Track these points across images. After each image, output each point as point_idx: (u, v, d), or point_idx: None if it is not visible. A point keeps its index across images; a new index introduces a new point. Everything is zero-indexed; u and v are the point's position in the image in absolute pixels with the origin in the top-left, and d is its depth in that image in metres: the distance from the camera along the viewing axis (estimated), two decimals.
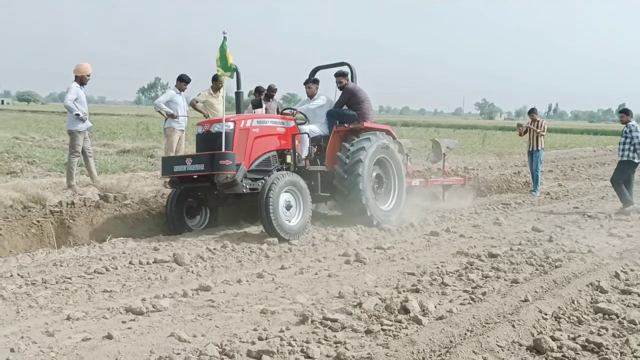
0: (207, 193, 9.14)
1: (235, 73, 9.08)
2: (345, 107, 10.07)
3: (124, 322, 4.89)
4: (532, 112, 14.98)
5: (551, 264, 7.19)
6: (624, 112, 12.42)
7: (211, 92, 11.57)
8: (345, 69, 10.38)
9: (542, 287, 6.08)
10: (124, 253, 7.31)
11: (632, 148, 11.86)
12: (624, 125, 12.17)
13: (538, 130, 14.42)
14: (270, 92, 13.02)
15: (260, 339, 4.52)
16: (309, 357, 4.19)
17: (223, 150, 8.33)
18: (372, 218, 9.42)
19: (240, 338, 4.54)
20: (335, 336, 4.63)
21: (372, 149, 9.56)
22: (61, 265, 6.69)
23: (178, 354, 4.16)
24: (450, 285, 6.17)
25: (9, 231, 8.03)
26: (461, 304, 5.59)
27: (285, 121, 9.54)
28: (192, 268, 6.71)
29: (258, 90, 13.06)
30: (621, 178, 12.09)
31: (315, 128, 9.95)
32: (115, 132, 25.80)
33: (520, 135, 15.41)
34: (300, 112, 9.93)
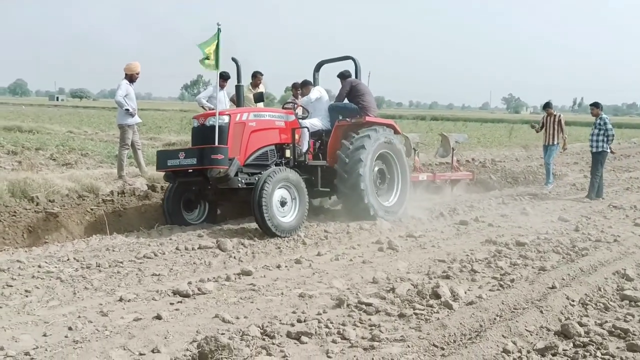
0: (203, 187, 8.59)
1: (236, 65, 8.78)
2: (346, 100, 9.56)
3: (171, 303, 4.96)
4: (547, 106, 13.91)
5: (578, 252, 7.07)
6: (595, 106, 12.71)
7: (250, 87, 11.60)
8: (348, 64, 9.94)
9: (569, 274, 5.98)
10: (170, 239, 7.40)
11: (605, 139, 12.23)
12: (596, 117, 12.51)
13: (559, 122, 13.39)
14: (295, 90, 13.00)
15: (299, 321, 4.54)
16: (345, 339, 4.19)
17: (216, 144, 7.87)
18: (376, 216, 8.87)
19: (280, 320, 4.56)
20: (369, 319, 4.62)
21: (373, 146, 8.98)
22: (113, 250, 6.81)
23: (222, 334, 4.20)
24: (479, 272, 6.11)
25: (66, 218, 8.20)
26: (490, 290, 5.53)
27: (285, 115, 9.03)
28: (234, 254, 6.77)
29: (294, 86, 13.04)
30: (601, 170, 12.35)
31: (317, 122, 9.41)
32: (161, 127, 26.08)
33: (538, 132, 14.32)
34: (300, 105, 9.42)
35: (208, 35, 8.07)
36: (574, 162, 19.82)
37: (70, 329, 4.29)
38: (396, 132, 9.87)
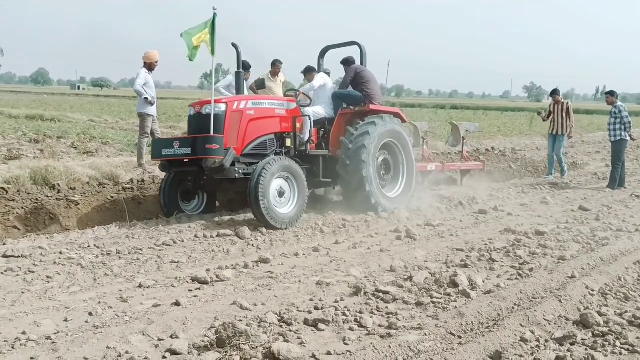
0: (199, 178, 8.27)
1: (236, 51, 8.51)
2: (350, 88, 9.22)
3: (190, 290, 5.00)
4: (554, 93, 13.40)
5: (598, 242, 6.99)
6: (610, 94, 12.43)
7: (269, 76, 11.58)
8: (354, 50, 9.63)
9: (588, 264, 5.92)
10: (189, 227, 7.45)
11: (622, 127, 12.01)
12: (612, 106, 12.26)
13: (567, 110, 13.02)
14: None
15: (316, 308, 4.55)
16: (362, 327, 4.19)
17: (211, 133, 7.60)
18: (377, 205, 8.57)
19: (297, 307, 4.58)
20: (387, 307, 4.62)
21: (378, 133, 8.67)
22: (133, 238, 6.88)
23: (240, 320, 4.22)
24: (498, 261, 6.07)
25: (86, 206, 8.30)
26: (509, 279, 5.49)
27: (285, 103, 8.74)
28: (252, 242, 6.80)
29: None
30: (621, 158, 12.14)
31: (320, 110, 9.09)
32: (180, 115, 26.15)
33: (544, 120, 13.83)
34: (303, 93, 9.04)
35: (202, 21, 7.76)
36: (595, 152, 19.58)
37: (90, 314, 4.35)
38: (402, 120, 9.61)
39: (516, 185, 12.03)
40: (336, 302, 4.72)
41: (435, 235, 7.47)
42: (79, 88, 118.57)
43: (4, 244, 6.51)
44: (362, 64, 9.46)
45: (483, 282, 5.32)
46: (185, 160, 7.74)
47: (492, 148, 17.23)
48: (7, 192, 7.92)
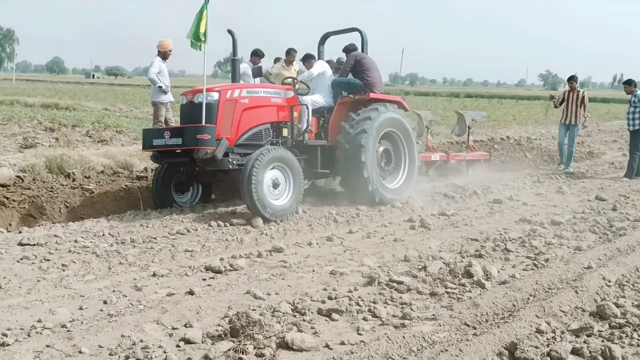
0: (191, 169, 7.99)
1: (232, 37, 8.22)
2: (351, 75, 8.95)
3: (204, 279, 5.01)
4: (571, 79, 12.84)
5: (615, 232, 6.92)
6: (627, 83, 12.20)
7: (284, 64, 11.51)
8: (355, 37, 9.33)
9: (605, 254, 5.86)
10: (203, 216, 7.46)
11: None
12: (630, 95, 12.00)
13: (582, 99, 12.59)
14: (338, 64, 12.85)
15: (329, 298, 4.54)
16: (376, 317, 4.17)
17: (203, 123, 7.33)
18: (375, 194, 8.27)
19: (311, 297, 4.57)
20: (401, 297, 4.60)
21: (379, 120, 8.41)
22: (147, 226, 6.89)
23: (254, 309, 4.23)
24: (513, 252, 6.02)
25: (101, 194, 8.34)
26: (524, 269, 5.45)
27: (282, 91, 8.42)
28: (266, 231, 6.79)
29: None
30: (639, 147, 11.92)
31: (319, 98, 8.81)
32: None
33: (556, 106, 13.37)
34: (301, 81, 8.79)
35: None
36: (612, 140, 19.38)
37: (105, 302, 4.37)
38: (403, 109, 9.32)
39: (531, 175, 11.92)
40: (350, 291, 4.71)
41: (450, 224, 7.42)
42: (93, 77, 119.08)
43: (20, 232, 6.55)
44: (363, 51, 9.19)
45: (498, 272, 5.28)
46: (177, 151, 7.52)
47: (507, 137, 17.12)
48: (22, 180, 7.99)
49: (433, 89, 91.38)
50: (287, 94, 8.43)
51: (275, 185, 7.45)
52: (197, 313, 4.20)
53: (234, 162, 7.55)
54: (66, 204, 7.88)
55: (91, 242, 6.08)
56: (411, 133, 9.16)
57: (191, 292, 4.60)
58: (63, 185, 8.18)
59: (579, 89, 12.77)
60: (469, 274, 5.10)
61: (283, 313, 4.18)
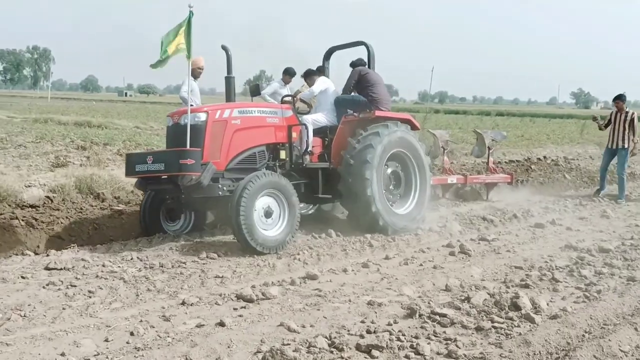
0: (177, 196, 7.32)
1: (226, 54, 7.77)
2: (354, 92, 8.40)
3: (235, 309, 4.76)
4: (618, 99, 11.56)
5: None
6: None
7: (306, 85, 11.26)
8: (361, 51, 8.77)
9: None
10: (234, 239, 7.22)
11: None
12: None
13: (632, 120, 11.36)
14: None
15: (368, 331, 4.25)
16: (419, 354, 3.88)
17: (187, 146, 6.73)
18: (387, 227, 7.69)
19: (348, 330, 4.29)
20: (444, 332, 4.29)
21: (383, 144, 7.76)
22: (176, 250, 6.69)
23: (288, 344, 3.96)
24: (561, 282, 5.65)
25: (130, 215, 8.16)
26: (575, 302, 5.09)
27: (279, 110, 7.80)
28: (298, 256, 6.53)
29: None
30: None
31: (321, 117, 8.22)
32: None
33: (601, 129, 12.19)
34: (300, 99, 8.27)
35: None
36: None
37: (132, 334, 4.14)
38: (413, 127, 8.63)
39: (572, 197, 11.47)
40: (389, 324, 4.41)
41: (491, 250, 7.08)
42: (126, 95, 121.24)
43: (47, 255, 6.41)
44: (369, 66, 8.64)
45: (547, 304, 4.93)
46: (162, 177, 6.90)
47: (544, 157, 16.65)
48: (52, 201, 7.89)
49: (463, 107, 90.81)
50: (285, 113, 7.83)
51: (268, 214, 6.83)
52: (228, 347, 3.96)
53: (225, 188, 6.94)
54: (95, 225, 7.72)
55: (119, 266, 5.90)
56: (422, 153, 8.50)
57: (222, 324, 4.35)
58: (92, 206, 8.06)
59: (627, 109, 11.64)
60: (516, 307, 4.77)
61: (319, 349, 3.90)
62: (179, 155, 6.64)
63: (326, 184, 7.87)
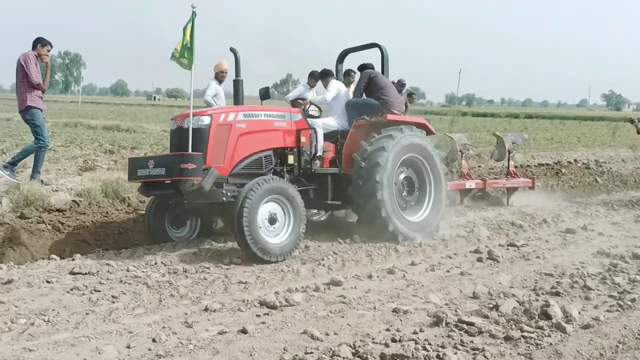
0: (180, 202, 7.15)
1: (234, 56, 7.65)
2: (365, 96, 8.21)
3: (258, 315, 4.70)
4: None
5: None
6: None
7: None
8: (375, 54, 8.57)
9: None
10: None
11: None
12: None
13: None
14: (399, 86, 12.53)
15: (393, 340, 4.14)
16: None
17: (189, 151, 6.56)
18: (397, 233, 7.44)
19: (373, 339, 4.19)
20: (472, 341, 4.17)
21: (396, 148, 7.57)
22: (200, 254, 6.68)
23: (311, 353, 3.89)
24: (593, 289, 5.48)
25: None
26: (608, 310, 4.92)
27: (287, 114, 7.58)
28: (323, 261, 6.45)
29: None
30: None
31: (332, 122, 8.01)
32: None
33: (639, 132, 11.74)
34: (310, 102, 8.06)
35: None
36: None
37: (154, 340, 4.10)
38: (429, 132, 8.44)
39: (605, 202, 11.20)
40: (415, 333, 4.31)
41: (520, 257, 6.91)
42: (154, 99, 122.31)
43: (73, 259, 6.44)
44: (382, 68, 8.49)
45: (579, 313, 4.77)
46: (166, 182, 6.74)
47: (575, 160, 16.32)
48: (78, 205, 7.93)
49: (491, 110, 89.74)
50: (293, 117, 7.61)
51: (272, 220, 6.61)
52: (250, 355, 3.90)
53: (229, 193, 6.73)
54: (120, 229, 7.77)
55: (143, 271, 5.88)
56: (437, 158, 8.24)
57: (244, 331, 4.29)
58: (118, 210, 8.10)
59: None
60: (546, 315, 4.62)
61: (343, 358, 3.83)
62: (180, 159, 6.49)
63: (336, 189, 7.68)
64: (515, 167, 11.84)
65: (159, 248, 6.98)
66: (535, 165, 14.45)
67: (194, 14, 6.71)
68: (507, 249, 7.32)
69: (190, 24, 6.70)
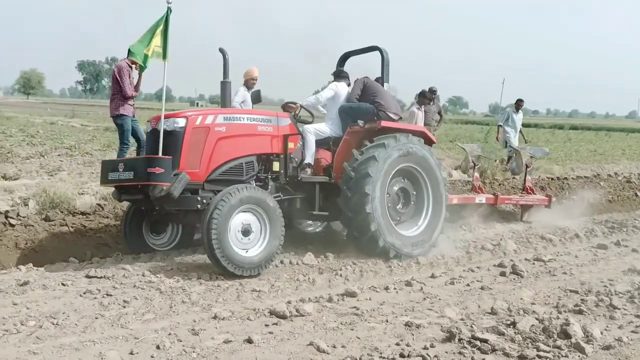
0: (150, 208, 6.82)
1: (223, 57, 7.30)
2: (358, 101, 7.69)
3: (266, 325, 4.64)
4: None
5: None
6: None
7: (417, 106, 11.08)
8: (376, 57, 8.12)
9: None
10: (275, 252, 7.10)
11: None
12: None
13: None
14: (430, 94, 12.39)
15: (402, 355, 4.03)
16: None
17: (159, 154, 6.23)
18: (388, 249, 6.98)
19: (380, 353, 4.08)
20: (484, 359, 4.02)
21: (389, 157, 7.12)
22: None
23: None
24: (620, 309, 5.24)
25: None
26: (633, 331, 4.69)
27: (274, 118, 7.13)
28: (341, 271, 6.36)
29: (423, 94, 12.33)
30: None
31: (324, 127, 7.59)
32: None
33: None
34: (302, 106, 7.57)
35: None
36: None
37: (158, 347, 4.08)
38: (428, 141, 7.85)
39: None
40: (425, 348, 4.18)
41: (546, 272, 6.69)
42: (197, 105, 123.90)
43: (91, 262, 6.51)
44: (382, 72, 8.07)
45: (601, 333, 4.56)
46: (137, 187, 6.38)
47: (615, 173, 15.83)
48: (102, 208, 8.02)
49: (535, 120, 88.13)
50: (281, 121, 7.20)
51: (246, 232, 6.18)
52: None
53: (204, 200, 6.36)
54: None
55: (157, 277, 5.89)
56: (436, 169, 7.72)
57: (250, 340, 4.23)
58: None
59: None
60: (565, 334, 4.43)
61: None
62: (147, 163, 6.19)
63: (325, 199, 7.31)
64: (532, 182, 11.16)
65: (178, 254, 7.00)
66: (573, 178, 14.05)
67: (169, 10, 6.51)
68: (533, 263, 7.10)
69: (164, 20, 6.51)
